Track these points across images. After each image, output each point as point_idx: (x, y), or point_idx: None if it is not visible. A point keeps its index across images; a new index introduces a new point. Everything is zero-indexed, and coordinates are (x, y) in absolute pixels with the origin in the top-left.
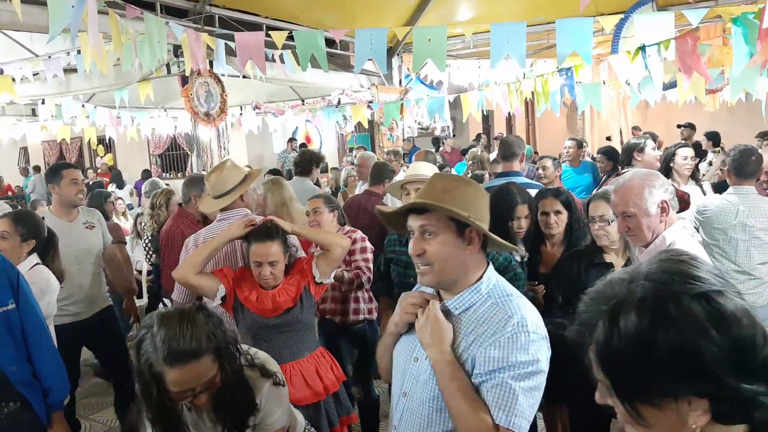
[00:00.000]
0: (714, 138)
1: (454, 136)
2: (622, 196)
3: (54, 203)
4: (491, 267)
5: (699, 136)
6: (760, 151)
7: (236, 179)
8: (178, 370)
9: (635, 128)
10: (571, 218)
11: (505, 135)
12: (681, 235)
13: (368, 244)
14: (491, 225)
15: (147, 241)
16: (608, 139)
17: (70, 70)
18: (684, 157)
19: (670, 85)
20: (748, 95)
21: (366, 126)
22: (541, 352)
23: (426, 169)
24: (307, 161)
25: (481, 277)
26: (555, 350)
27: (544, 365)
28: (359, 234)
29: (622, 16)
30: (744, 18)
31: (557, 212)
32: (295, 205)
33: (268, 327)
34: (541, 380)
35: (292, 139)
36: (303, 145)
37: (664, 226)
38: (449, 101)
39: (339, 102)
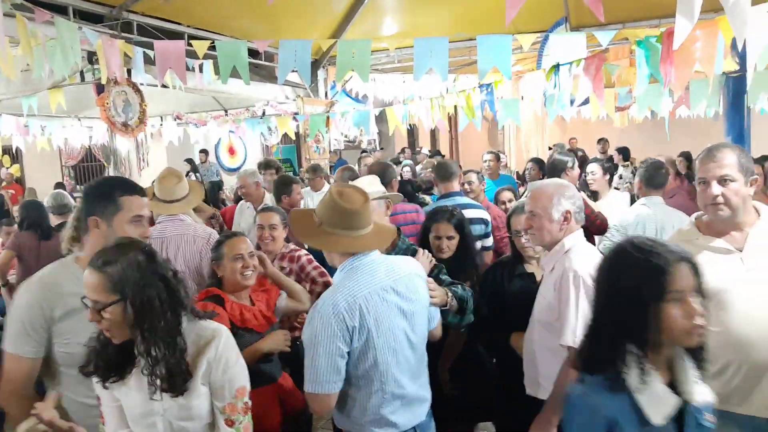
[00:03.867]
0: (624, 153)
1: (382, 149)
2: (534, 198)
3: (89, 246)
4: (341, 270)
5: (611, 151)
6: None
7: (185, 189)
8: (87, 271)
9: (572, 139)
10: (464, 241)
11: (425, 150)
12: (579, 242)
13: (311, 256)
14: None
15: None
16: None
17: None
18: (591, 171)
19: (584, 102)
20: (653, 113)
21: (293, 138)
22: (316, 332)
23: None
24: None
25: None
26: (482, 372)
27: (316, 342)
28: (302, 251)
29: (538, 34)
30: (647, 41)
31: (450, 237)
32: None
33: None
34: (318, 351)
35: (204, 151)
36: (204, 151)
37: (564, 234)
38: (375, 114)
39: (264, 113)
